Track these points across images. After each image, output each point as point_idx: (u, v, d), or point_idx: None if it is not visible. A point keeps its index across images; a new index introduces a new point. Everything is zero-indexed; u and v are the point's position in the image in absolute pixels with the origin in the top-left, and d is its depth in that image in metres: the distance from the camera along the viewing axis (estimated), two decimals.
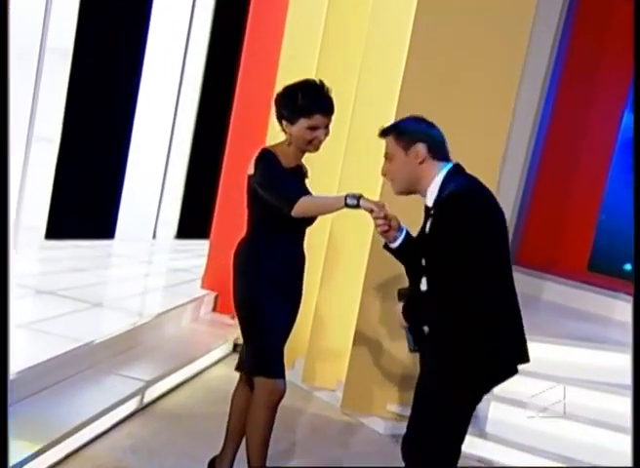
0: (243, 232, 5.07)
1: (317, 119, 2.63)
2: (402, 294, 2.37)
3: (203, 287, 5.31)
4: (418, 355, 2.49)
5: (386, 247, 2.42)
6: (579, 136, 5.99)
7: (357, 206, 2.39)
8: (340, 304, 4.22)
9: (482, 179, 3.81)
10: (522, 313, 2.35)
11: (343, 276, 4.22)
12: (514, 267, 3.57)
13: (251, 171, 2.69)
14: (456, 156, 3.95)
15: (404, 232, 2.38)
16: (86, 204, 6.73)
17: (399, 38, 4.02)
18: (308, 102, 2.62)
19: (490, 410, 3.91)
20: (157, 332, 4.38)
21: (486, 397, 3.96)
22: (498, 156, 3.98)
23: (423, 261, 2.31)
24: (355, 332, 4.02)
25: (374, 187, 3.98)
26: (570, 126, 5.93)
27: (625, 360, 4.17)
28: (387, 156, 2.32)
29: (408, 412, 3.88)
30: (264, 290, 2.68)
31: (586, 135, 5.39)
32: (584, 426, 3.84)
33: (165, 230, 8.09)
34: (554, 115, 5.84)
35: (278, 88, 4.90)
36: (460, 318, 2.22)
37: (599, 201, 6.36)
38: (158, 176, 7.85)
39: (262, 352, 2.69)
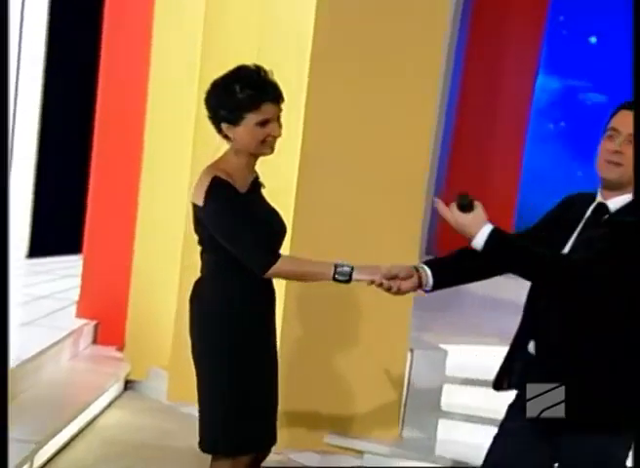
0: (122, 247, 4.54)
1: (267, 110, 2.16)
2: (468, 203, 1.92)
3: (79, 315, 4.56)
4: None
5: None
6: (491, 108, 5.79)
7: (348, 281, 2.14)
8: None
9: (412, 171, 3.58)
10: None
11: None
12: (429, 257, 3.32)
13: (198, 201, 2.15)
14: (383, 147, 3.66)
15: (428, 272, 2.12)
16: None
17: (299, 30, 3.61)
18: (252, 92, 2.14)
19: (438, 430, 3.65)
20: (34, 379, 3.61)
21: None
22: (426, 148, 3.79)
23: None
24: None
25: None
26: (481, 98, 5.72)
27: None
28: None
29: (346, 443, 3.63)
30: (241, 338, 2.22)
31: (499, 106, 5.16)
32: None
33: (14, 249, 6.97)
34: (463, 88, 5.63)
35: (153, 78, 4.53)
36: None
37: (517, 181, 6.21)
38: None
39: (232, 419, 2.21)
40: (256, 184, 2.28)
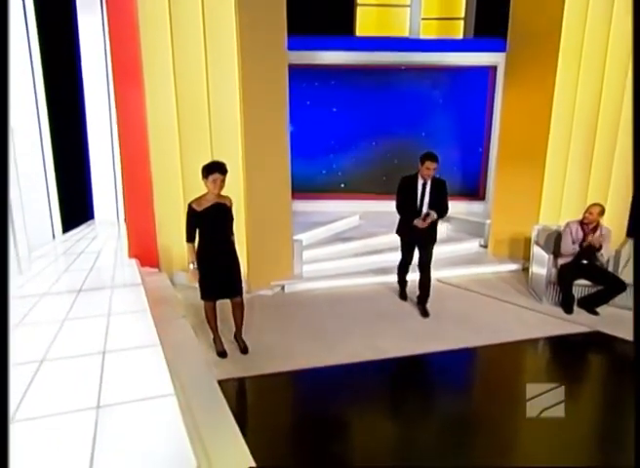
0: (147, 212, 7.90)
1: (215, 175, 5.23)
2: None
3: (130, 256, 8.29)
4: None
5: None
6: None
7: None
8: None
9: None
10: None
11: None
12: None
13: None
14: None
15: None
16: None
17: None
18: (210, 166, 5.26)
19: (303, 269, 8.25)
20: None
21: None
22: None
23: None
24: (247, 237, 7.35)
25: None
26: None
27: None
28: None
29: (280, 283, 7.91)
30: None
31: None
32: None
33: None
34: None
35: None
36: None
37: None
38: None
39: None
40: (214, 207, 5.34)
